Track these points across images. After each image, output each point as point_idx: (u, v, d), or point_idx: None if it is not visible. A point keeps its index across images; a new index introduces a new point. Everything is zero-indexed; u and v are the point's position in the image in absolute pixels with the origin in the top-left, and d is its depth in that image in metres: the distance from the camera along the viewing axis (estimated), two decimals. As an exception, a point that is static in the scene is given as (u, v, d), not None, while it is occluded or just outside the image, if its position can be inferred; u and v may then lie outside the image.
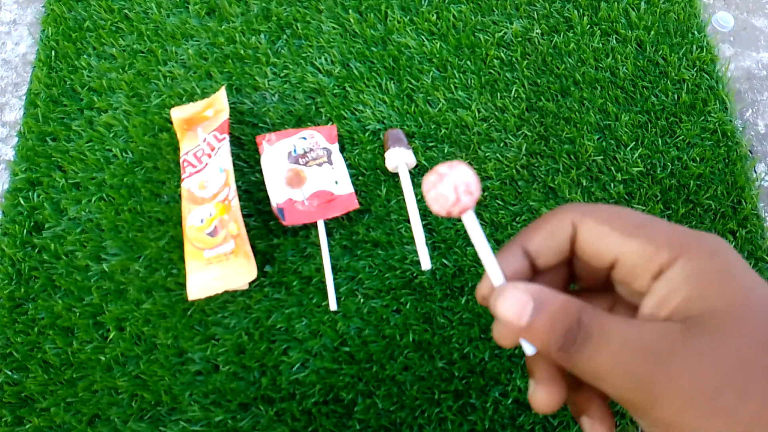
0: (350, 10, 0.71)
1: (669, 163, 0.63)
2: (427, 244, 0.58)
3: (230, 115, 0.64)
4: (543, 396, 0.24)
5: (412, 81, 0.67)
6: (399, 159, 0.61)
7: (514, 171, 0.62)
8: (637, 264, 0.22)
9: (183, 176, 0.60)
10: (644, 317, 0.21)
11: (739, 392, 0.18)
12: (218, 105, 0.63)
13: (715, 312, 0.19)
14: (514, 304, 0.22)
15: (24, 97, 0.69)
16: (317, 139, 0.63)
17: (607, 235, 0.23)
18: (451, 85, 0.67)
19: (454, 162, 0.24)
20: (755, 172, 0.65)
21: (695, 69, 0.68)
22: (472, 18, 0.71)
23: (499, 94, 0.66)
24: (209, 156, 0.60)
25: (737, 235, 0.60)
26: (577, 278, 0.26)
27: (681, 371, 0.19)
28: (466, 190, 0.23)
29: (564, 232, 0.24)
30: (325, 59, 0.69)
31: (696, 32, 0.70)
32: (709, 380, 0.18)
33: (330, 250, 0.59)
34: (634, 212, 0.23)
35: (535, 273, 0.25)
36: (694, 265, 0.20)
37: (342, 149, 0.64)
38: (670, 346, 0.19)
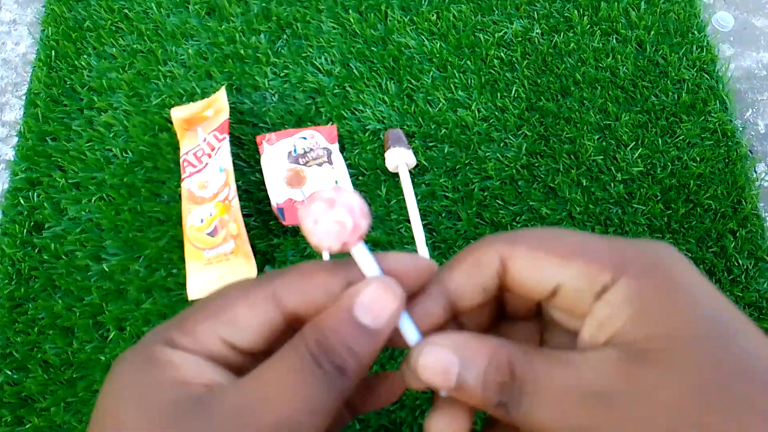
0: (350, 10, 0.71)
1: (669, 163, 0.63)
2: (427, 244, 0.58)
3: (230, 115, 0.64)
4: (442, 426, 0.21)
5: (412, 81, 0.67)
6: (399, 159, 0.61)
7: (514, 171, 0.62)
8: (580, 287, 0.19)
9: (183, 176, 0.60)
10: (584, 343, 0.20)
11: (695, 426, 0.16)
12: (218, 105, 0.63)
13: (660, 336, 0.18)
14: (436, 366, 0.19)
15: (24, 97, 0.69)
16: (317, 139, 0.63)
17: (544, 260, 0.20)
18: (451, 85, 0.67)
19: (334, 186, 0.20)
20: (755, 172, 0.65)
21: (695, 69, 0.68)
22: (472, 18, 0.71)
23: (499, 94, 0.66)
24: (209, 156, 0.60)
25: (737, 235, 0.60)
26: (505, 311, 0.24)
27: (630, 413, 0.17)
28: (362, 212, 0.20)
29: (490, 268, 0.21)
30: (325, 59, 0.69)
31: (696, 32, 0.70)
32: (661, 419, 0.17)
33: (330, 250, 0.59)
34: (567, 231, 0.21)
35: (456, 315, 0.22)
36: (636, 283, 0.19)
37: (342, 149, 0.64)
38: (613, 385, 0.17)
